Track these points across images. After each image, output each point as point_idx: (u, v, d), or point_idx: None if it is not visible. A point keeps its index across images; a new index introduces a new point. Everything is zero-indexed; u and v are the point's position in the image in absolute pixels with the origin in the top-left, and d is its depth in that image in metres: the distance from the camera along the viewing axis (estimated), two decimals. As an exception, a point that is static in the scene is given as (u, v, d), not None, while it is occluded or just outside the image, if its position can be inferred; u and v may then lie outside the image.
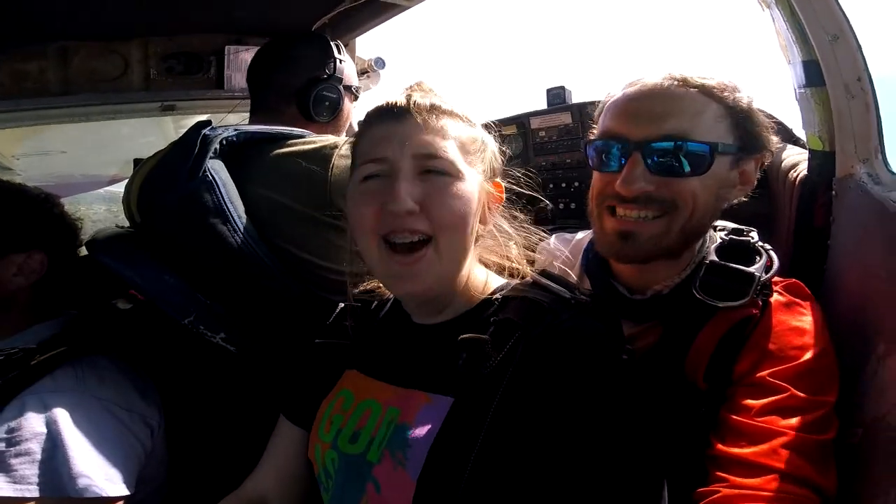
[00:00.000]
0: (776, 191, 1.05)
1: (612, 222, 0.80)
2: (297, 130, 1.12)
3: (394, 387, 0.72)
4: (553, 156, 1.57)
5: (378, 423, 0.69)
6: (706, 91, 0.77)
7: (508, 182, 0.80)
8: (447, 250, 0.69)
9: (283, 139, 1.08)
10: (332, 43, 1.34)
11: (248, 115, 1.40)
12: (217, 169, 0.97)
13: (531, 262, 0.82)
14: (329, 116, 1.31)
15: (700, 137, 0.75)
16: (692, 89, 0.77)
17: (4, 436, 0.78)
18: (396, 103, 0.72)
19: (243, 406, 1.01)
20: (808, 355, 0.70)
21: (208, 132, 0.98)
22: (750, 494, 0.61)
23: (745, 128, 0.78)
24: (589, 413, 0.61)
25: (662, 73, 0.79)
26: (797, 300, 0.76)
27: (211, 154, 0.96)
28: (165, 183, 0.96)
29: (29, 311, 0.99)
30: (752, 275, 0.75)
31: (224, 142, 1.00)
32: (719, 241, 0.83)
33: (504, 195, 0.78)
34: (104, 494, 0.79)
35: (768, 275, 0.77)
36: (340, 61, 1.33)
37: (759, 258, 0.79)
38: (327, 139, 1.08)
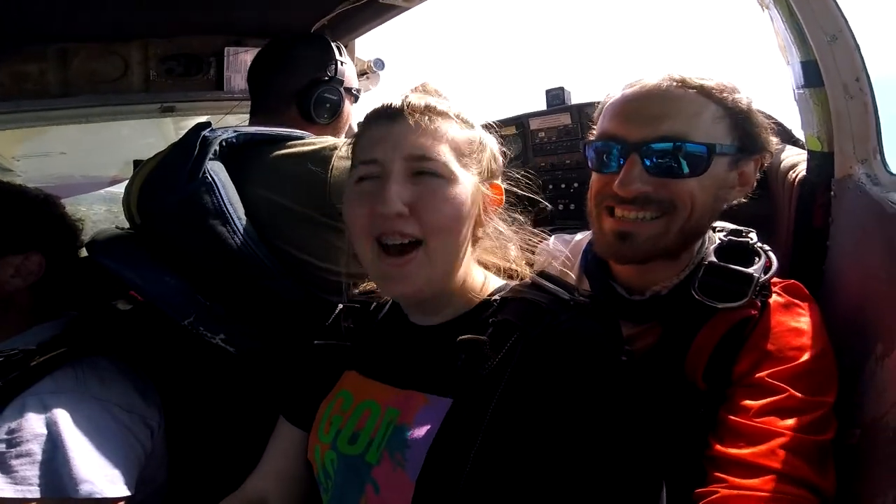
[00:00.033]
0: (775, 191, 1.05)
1: (610, 223, 0.80)
2: (296, 132, 1.13)
3: (393, 388, 0.72)
4: (552, 157, 1.57)
5: (377, 424, 0.70)
6: (705, 92, 0.77)
7: (508, 184, 0.80)
8: (438, 253, 0.68)
9: (283, 141, 1.08)
10: (333, 45, 1.34)
11: (247, 116, 1.40)
12: (217, 170, 0.97)
13: (531, 264, 0.82)
14: (329, 118, 1.31)
15: (698, 138, 0.75)
16: (690, 90, 0.77)
17: (5, 437, 0.78)
18: (391, 105, 0.72)
19: (243, 407, 1.01)
20: (806, 356, 0.70)
21: (208, 134, 0.99)
22: (748, 495, 0.61)
23: (744, 129, 0.78)
24: (587, 414, 0.61)
25: (661, 74, 0.79)
26: (796, 301, 0.76)
27: (210, 156, 0.97)
28: (165, 185, 0.97)
29: (28, 312, 0.99)
30: (750, 276, 0.75)
31: (224, 143, 1.01)
32: (718, 241, 0.83)
33: (503, 197, 0.78)
34: (105, 495, 0.79)
35: (767, 276, 0.77)
36: (341, 63, 1.33)
37: (757, 259, 0.79)
38: (327, 141, 1.08)
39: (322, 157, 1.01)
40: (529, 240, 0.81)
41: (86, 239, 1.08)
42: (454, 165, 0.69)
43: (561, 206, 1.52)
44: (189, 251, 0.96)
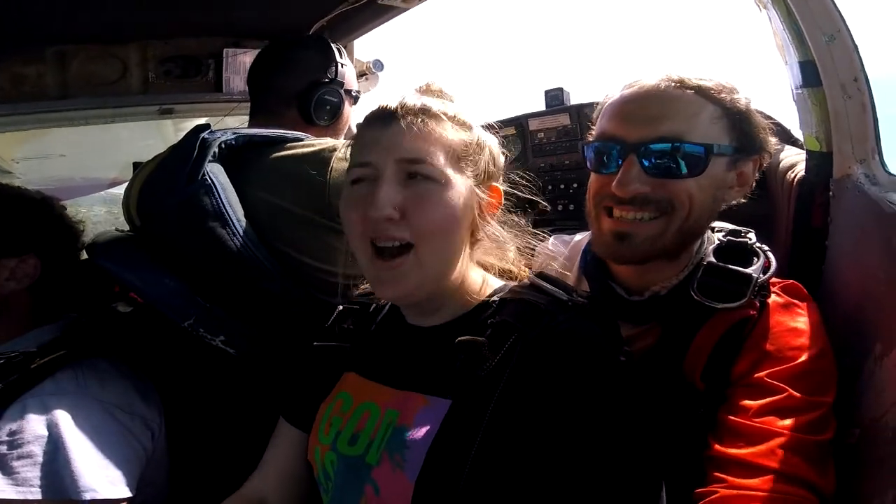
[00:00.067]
0: (774, 191, 1.05)
1: (608, 223, 0.80)
2: (295, 133, 1.13)
3: (392, 389, 0.72)
4: (552, 157, 1.57)
5: (377, 426, 0.70)
6: (702, 92, 0.77)
7: (507, 185, 0.80)
8: (428, 257, 0.68)
9: (282, 142, 1.08)
10: (333, 47, 1.34)
11: (246, 117, 1.40)
12: (216, 172, 0.97)
13: (530, 266, 0.82)
14: (329, 120, 1.31)
15: (695, 139, 0.75)
16: (688, 91, 0.77)
17: (6, 438, 0.78)
18: (387, 107, 0.72)
19: (243, 408, 1.02)
20: (805, 356, 0.70)
21: (207, 136, 0.99)
22: (748, 495, 0.61)
23: (742, 129, 0.78)
24: (585, 414, 0.62)
25: (660, 75, 0.79)
26: (795, 301, 0.77)
27: (210, 158, 0.97)
28: (164, 187, 0.97)
29: (27, 314, 0.99)
30: (749, 276, 0.75)
31: (223, 145, 1.01)
32: (717, 242, 0.83)
33: (502, 199, 0.77)
34: (106, 497, 0.79)
35: (766, 276, 0.77)
36: (342, 65, 1.33)
37: (756, 259, 0.79)
38: (326, 142, 1.08)
39: (321, 159, 1.01)
40: (529, 242, 0.81)
41: (86, 240, 1.08)
42: (448, 169, 0.69)
43: (560, 207, 1.52)
44: (189, 253, 0.96)
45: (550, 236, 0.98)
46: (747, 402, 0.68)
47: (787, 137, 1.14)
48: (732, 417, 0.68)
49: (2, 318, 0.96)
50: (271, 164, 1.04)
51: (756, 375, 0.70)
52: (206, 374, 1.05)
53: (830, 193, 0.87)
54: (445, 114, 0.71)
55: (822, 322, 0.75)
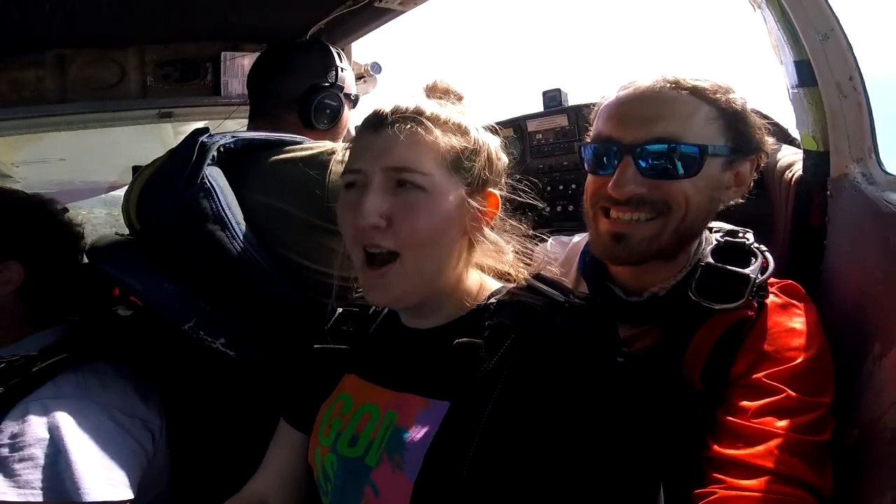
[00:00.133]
0: (772, 191, 1.05)
1: (605, 224, 0.80)
2: (294, 137, 1.13)
3: (391, 391, 0.72)
4: (550, 158, 1.57)
5: (377, 427, 0.70)
6: (698, 93, 0.77)
7: (507, 190, 0.79)
8: (413, 267, 0.68)
9: (281, 145, 1.08)
10: (333, 50, 1.34)
11: (245, 121, 1.40)
12: (215, 176, 0.97)
13: (530, 266, 0.82)
14: (329, 124, 1.31)
15: (691, 140, 0.75)
16: (684, 91, 0.77)
17: (7, 441, 0.79)
18: (380, 112, 0.71)
19: (244, 410, 1.02)
20: (803, 356, 0.70)
21: (206, 139, 0.99)
22: (746, 496, 0.61)
23: (738, 129, 0.78)
24: (583, 416, 0.62)
25: (655, 76, 0.79)
26: (793, 301, 0.77)
27: (209, 161, 0.97)
28: (164, 191, 0.97)
29: (23, 319, 0.99)
30: (747, 276, 0.75)
31: (222, 149, 1.01)
32: (715, 242, 0.83)
33: (499, 205, 0.76)
34: (107, 499, 0.80)
35: (764, 276, 0.77)
36: (342, 69, 1.33)
37: (754, 260, 0.78)
38: (325, 145, 1.08)
39: (320, 162, 1.01)
40: (526, 246, 0.81)
41: (87, 242, 1.08)
42: (438, 177, 0.68)
43: (559, 208, 1.52)
44: (188, 257, 0.97)
45: (549, 237, 0.98)
46: (745, 403, 0.68)
47: (784, 137, 1.13)
48: (731, 418, 0.68)
49: None
50: (270, 168, 1.04)
51: (754, 376, 0.70)
52: (207, 376, 1.05)
53: (828, 193, 0.87)
54: (439, 118, 0.71)
55: (821, 322, 0.75)
